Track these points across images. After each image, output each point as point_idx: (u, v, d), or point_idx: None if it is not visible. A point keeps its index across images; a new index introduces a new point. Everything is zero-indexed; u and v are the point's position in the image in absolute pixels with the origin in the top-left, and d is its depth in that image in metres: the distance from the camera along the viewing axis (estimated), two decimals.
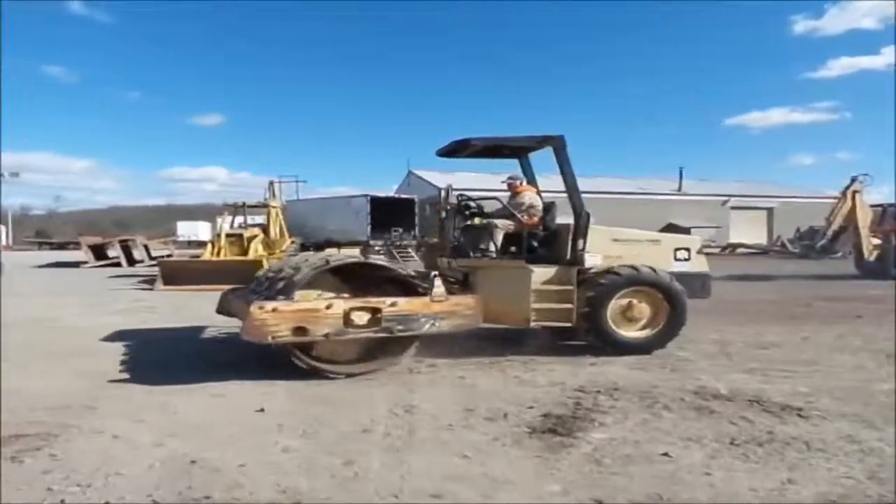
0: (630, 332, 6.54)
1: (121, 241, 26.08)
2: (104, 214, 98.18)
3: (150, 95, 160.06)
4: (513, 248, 6.77)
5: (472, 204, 7.18)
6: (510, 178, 7.40)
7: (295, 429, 4.11)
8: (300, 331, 5.24)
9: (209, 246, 18.78)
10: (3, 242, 22.47)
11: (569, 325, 6.44)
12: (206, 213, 64.47)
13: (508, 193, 7.37)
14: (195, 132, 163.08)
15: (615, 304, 6.46)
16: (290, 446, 3.78)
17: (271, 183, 21.82)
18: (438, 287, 5.78)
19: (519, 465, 3.46)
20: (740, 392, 4.98)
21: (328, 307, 5.35)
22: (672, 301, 6.55)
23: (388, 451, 3.69)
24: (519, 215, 6.87)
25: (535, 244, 6.77)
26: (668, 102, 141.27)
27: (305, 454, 3.64)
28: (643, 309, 6.55)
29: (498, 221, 6.93)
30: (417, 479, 3.23)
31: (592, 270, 6.52)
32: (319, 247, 18.24)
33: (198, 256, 19.54)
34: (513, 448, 3.75)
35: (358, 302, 5.51)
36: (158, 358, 6.54)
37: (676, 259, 6.99)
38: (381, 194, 23.75)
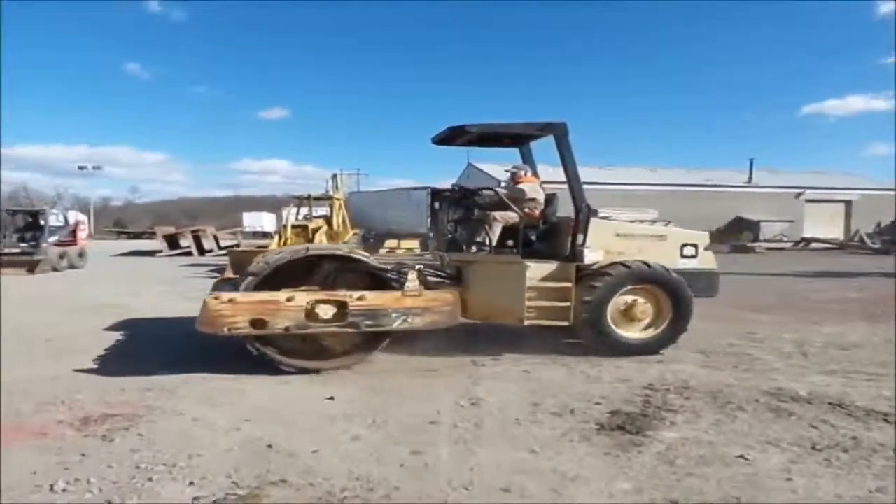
0: (631, 333, 6.22)
1: (192, 232, 27.18)
2: (175, 205, 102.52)
3: (218, 91, 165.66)
4: (509, 242, 6.39)
5: (471, 194, 6.77)
6: (515, 167, 7.02)
7: (363, 418, 4.20)
8: (259, 323, 5.09)
9: (276, 237, 19.37)
10: (87, 232, 23.79)
11: (566, 324, 6.09)
12: (269, 204, 66.55)
13: (510, 184, 6.97)
14: (260, 126, 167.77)
15: (616, 303, 6.15)
16: (360, 434, 3.86)
17: (335, 176, 22.23)
18: (412, 281, 5.59)
19: (589, 462, 3.42)
20: (821, 395, 4.76)
21: (289, 300, 5.17)
22: (676, 300, 6.21)
23: (457, 443, 3.71)
24: (518, 207, 6.44)
25: (534, 238, 6.45)
26: (741, 90, 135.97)
27: (374, 443, 3.71)
28: (646, 308, 6.23)
29: (496, 214, 6.51)
30: (487, 472, 3.24)
31: (593, 267, 6.20)
32: (381, 238, 18.49)
33: (264, 247, 20.14)
34: (581, 444, 3.71)
35: (322, 295, 5.32)
36: (229, 344, 6.77)
37: (683, 255, 6.58)
38: (443, 187, 23.70)
